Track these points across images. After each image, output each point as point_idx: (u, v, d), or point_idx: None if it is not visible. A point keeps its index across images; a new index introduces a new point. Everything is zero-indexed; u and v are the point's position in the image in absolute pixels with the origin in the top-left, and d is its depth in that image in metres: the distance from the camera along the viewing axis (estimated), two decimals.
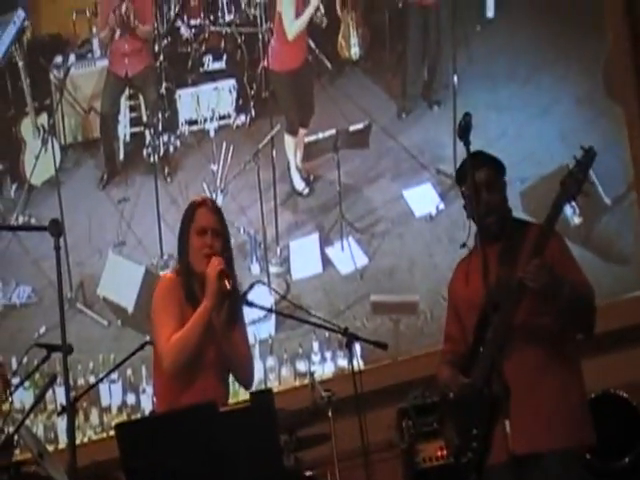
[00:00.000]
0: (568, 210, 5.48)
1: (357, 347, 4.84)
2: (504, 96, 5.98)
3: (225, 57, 6.77)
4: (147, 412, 6.30)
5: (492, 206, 3.58)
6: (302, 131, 6.43)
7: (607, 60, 5.70)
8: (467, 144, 3.47)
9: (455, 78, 6.11)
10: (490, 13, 6.09)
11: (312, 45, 6.55)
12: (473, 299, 3.52)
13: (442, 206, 6.03)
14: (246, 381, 3.84)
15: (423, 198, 6.13)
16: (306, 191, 6.38)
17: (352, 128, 6.37)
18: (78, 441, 6.43)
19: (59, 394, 6.25)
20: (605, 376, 4.95)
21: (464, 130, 3.46)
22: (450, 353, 3.69)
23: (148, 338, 6.13)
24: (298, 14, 6.45)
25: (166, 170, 6.74)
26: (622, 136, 5.59)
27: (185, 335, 3.60)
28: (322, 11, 6.46)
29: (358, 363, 4.58)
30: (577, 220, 5.64)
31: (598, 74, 5.75)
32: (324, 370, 6.09)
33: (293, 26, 6.46)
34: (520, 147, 5.82)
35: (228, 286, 3.61)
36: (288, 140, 6.45)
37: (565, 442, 3.41)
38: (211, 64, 6.78)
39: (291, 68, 6.51)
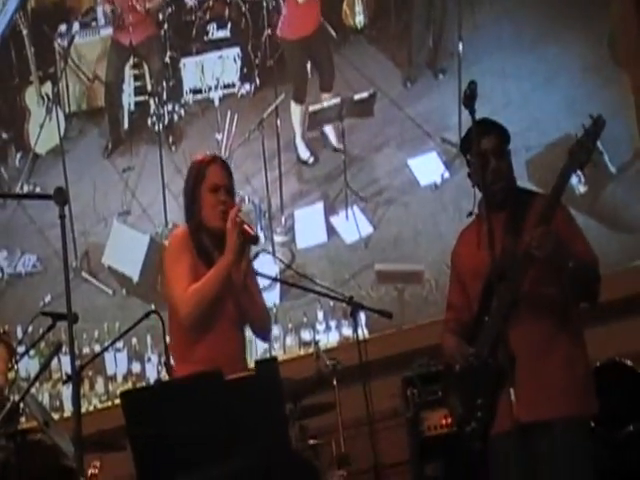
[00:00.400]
0: (574, 179, 5.44)
1: (362, 316, 4.86)
2: (510, 64, 5.95)
3: (229, 25, 6.74)
4: (152, 380, 6.34)
5: (500, 173, 3.56)
6: (325, 95, 6.36)
7: (613, 28, 5.66)
8: (472, 112, 3.44)
9: (460, 46, 6.07)
10: None
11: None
12: (478, 268, 3.52)
13: (447, 175, 6.01)
14: (264, 332, 3.83)
15: (428, 167, 6.12)
16: (311, 160, 6.36)
17: (357, 97, 6.34)
18: (83, 409, 6.46)
19: (64, 363, 6.28)
20: (611, 344, 4.95)
21: (469, 98, 3.43)
22: (453, 321, 3.69)
23: (153, 306, 6.20)
24: None
25: (170, 139, 6.72)
26: (628, 104, 5.56)
27: (204, 287, 3.57)
28: None
29: (363, 332, 4.59)
30: (582, 189, 5.62)
31: (604, 42, 5.71)
32: (329, 339, 6.10)
33: None
34: (526, 115, 5.79)
35: (252, 232, 3.59)
36: (294, 108, 6.42)
37: (570, 410, 3.42)
38: (215, 32, 6.74)
39: (304, 35, 6.43)
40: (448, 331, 3.67)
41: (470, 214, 3.69)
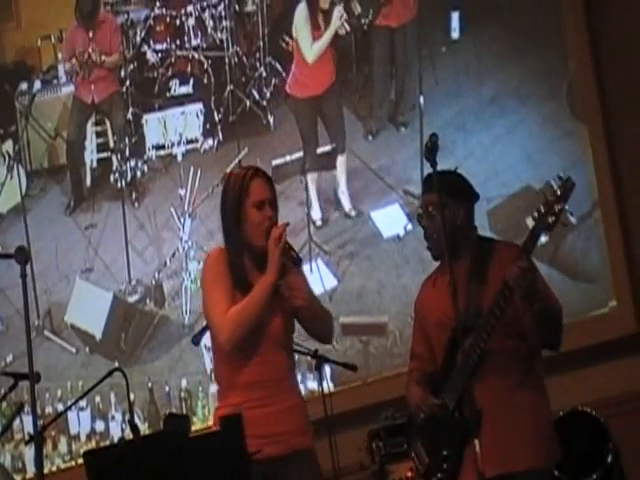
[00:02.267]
0: None
1: (327, 369, 4.83)
2: (470, 117, 6.02)
3: (192, 81, 6.77)
4: (116, 439, 6.26)
5: (428, 233, 3.66)
6: (341, 158, 6.29)
7: (571, 80, 5.76)
8: (434, 165, 3.49)
9: (422, 99, 6.15)
10: (455, 34, 6.14)
11: (279, 69, 6.57)
12: (441, 318, 3.53)
13: (410, 227, 6.04)
14: (326, 337, 3.73)
15: (391, 219, 6.15)
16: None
17: (319, 150, 6.38)
18: (46, 470, 6.36)
19: (27, 423, 6.18)
20: (572, 394, 4.98)
21: (431, 151, 3.48)
22: (418, 371, 3.70)
23: (117, 364, 6.14)
24: (317, 36, 6.39)
25: (133, 195, 6.71)
26: (587, 155, 5.65)
27: (245, 309, 3.43)
28: (347, 28, 6.35)
29: (328, 385, 4.57)
30: (544, 239, 5.66)
31: (562, 94, 5.80)
32: None
33: (312, 49, 6.40)
34: (486, 167, 5.86)
35: (295, 253, 3.48)
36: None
37: (535, 462, 3.44)
38: (178, 88, 6.77)
39: (314, 94, 6.42)
40: (412, 381, 3.68)
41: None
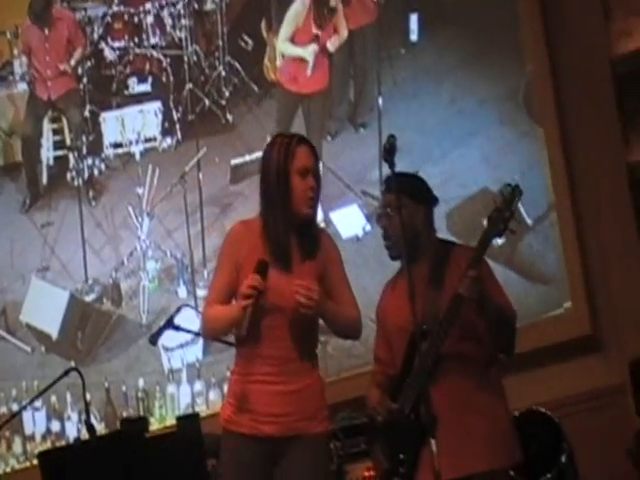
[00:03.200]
0: None
1: None
2: (429, 118, 6.05)
3: (150, 80, 6.74)
4: (72, 439, 6.21)
5: (387, 233, 3.66)
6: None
7: (528, 83, 5.81)
8: (392, 166, 3.50)
9: (380, 100, 6.17)
10: (414, 37, 6.17)
11: (239, 68, 6.56)
12: (402, 323, 3.55)
13: (369, 227, 6.06)
14: (353, 337, 3.59)
15: (350, 220, 6.16)
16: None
17: None
18: (0, 471, 6.31)
19: None
20: (528, 394, 5.02)
21: (389, 152, 3.48)
22: (381, 374, 3.71)
23: (73, 363, 6.09)
24: (300, 41, 6.32)
25: (91, 194, 6.66)
26: (543, 157, 5.69)
27: (216, 318, 3.39)
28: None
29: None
30: (500, 240, 5.69)
31: (519, 97, 5.85)
32: None
33: (284, 46, 6.38)
34: (444, 169, 5.89)
35: (260, 287, 3.28)
36: None
37: (494, 464, 3.46)
38: (136, 87, 6.74)
39: (302, 91, 6.34)
40: (373, 384, 3.70)
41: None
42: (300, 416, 3.41)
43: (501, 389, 3.60)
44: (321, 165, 5.99)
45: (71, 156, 6.73)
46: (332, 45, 6.29)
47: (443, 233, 5.54)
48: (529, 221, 5.68)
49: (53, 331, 6.49)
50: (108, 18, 6.81)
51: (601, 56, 5.63)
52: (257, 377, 3.41)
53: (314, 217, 3.51)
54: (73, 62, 6.75)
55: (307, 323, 3.44)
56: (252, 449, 3.36)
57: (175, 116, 6.62)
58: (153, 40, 6.74)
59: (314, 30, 6.31)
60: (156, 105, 6.67)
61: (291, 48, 6.38)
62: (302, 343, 3.45)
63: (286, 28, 6.38)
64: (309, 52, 6.30)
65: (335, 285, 3.50)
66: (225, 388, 6.17)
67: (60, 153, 6.78)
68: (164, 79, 6.69)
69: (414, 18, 6.15)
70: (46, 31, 6.74)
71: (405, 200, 3.59)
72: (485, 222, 3.55)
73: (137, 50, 6.76)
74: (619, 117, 5.55)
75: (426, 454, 3.34)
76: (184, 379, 6.22)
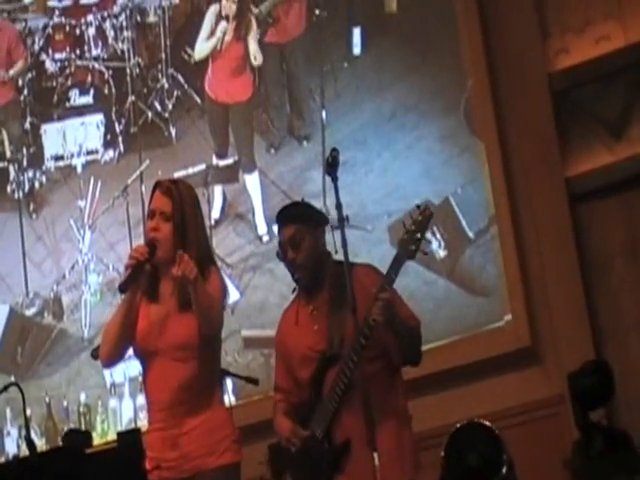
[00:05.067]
0: (434, 244, 5.61)
1: (229, 382, 4.82)
2: (370, 132, 6.09)
3: (92, 92, 6.70)
4: (11, 456, 6.13)
5: (294, 265, 3.66)
6: (251, 178, 6.26)
7: (468, 97, 5.88)
8: (335, 180, 3.53)
9: (324, 113, 6.20)
10: (357, 50, 6.21)
11: (181, 81, 6.55)
12: (304, 352, 3.57)
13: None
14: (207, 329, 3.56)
15: None
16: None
17: (222, 163, 6.38)
18: None
19: None
20: (469, 405, 5.07)
21: (331, 166, 3.51)
22: (283, 402, 3.72)
23: (13, 378, 6.00)
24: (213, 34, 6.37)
25: (31, 206, 6.59)
26: (484, 171, 5.76)
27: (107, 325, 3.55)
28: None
29: (229, 399, 4.56)
30: (442, 253, 5.77)
31: (460, 111, 5.92)
32: None
33: (202, 46, 6.39)
34: (386, 182, 5.93)
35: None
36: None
37: (405, 476, 3.49)
38: (77, 99, 6.69)
39: (227, 101, 6.37)
40: (279, 412, 3.71)
41: (294, 290, 3.73)
42: (196, 455, 3.46)
43: (406, 407, 3.63)
44: (259, 178, 6.18)
45: (11, 168, 6.65)
46: (256, 61, 6.33)
47: (386, 246, 5.63)
48: (470, 234, 5.74)
49: None
50: (49, 29, 6.76)
51: (539, 72, 5.72)
52: (154, 425, 3.50)
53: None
54: (12, 72, 6.68)
55: (189, 363, 3.49)
56: None
57: (117, 128, 6.58)
58: (95, 52, 6.71)
59: (223, 13, 6.34)
60: (98, 117, 6.63)
61: (205, 45, 6.39)
62: (186, 384, 3.48)
63: (204, 30, 6.41)
64: (219, 30, 6.32)
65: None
66: None
67: (0, 165, 6.70)
68: (106, 91, 6.65)
69: (357, 32, 6.20)
70: None
71: (304, 229, 3.62)
72: (427, 235, 3.57)
73: (79, 62, 6.72)
74: (557, 133, 5.64)
75: None
76: (126, 393, 6.17)
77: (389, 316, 3.42)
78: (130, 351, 3.61)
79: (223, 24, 6.36)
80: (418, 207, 3.53)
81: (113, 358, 3.58)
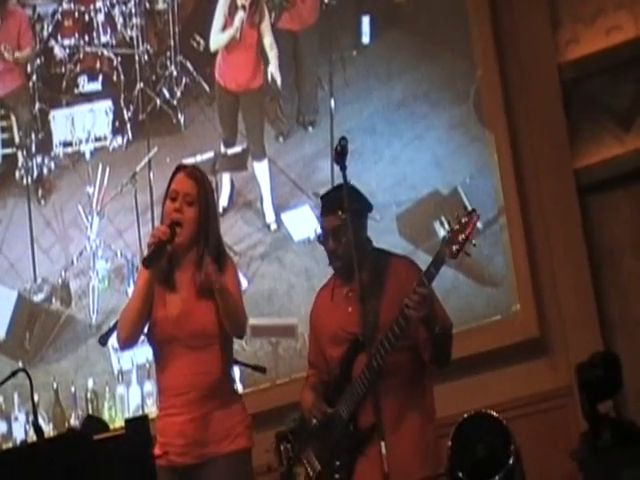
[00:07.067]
0: (442, 233, 5.60)
1: (236, 370, 4.83)
2: (380, 121, 6.08)
3: (101, 78, 6.69)
4: (19, 441, 6.15)
5: (335, 255, 3.66)
6: (260, 166, 6.25)
7: (478, 88, 5.86)
8: (343, 169, 3.52)
9: (332, 102, 6.18)
10: (366, 39, 6.19)
11: (190, 68, 6.54)
12: (337, 332, 3.57)
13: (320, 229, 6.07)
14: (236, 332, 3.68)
15: (301, 221, 6.17)
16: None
17: (230, 151, 6.37)
18: None
19: None
20: (477, 396, 5.07)
21: (340, 155, 3.51)
22: (314, 377, 3.73)
23: (21, 364, 6.02)
24: (229, 25, 6.36)
25: (40, 192, 6.60)
26: (493, 161, 5.75)
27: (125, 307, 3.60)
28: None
29: (237, 387, 4.56)
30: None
31: (470, 101, 5.90)
32: None
33: (217, 37, 6.37)
34: (395, 171, 5.91)
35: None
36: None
37: (425, 471, 3.50)
38: (86, 85, 6.69)
39: (237, 89, 6.36)
40: (308, 386, 3.73)
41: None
42: (209, 440, 3.49)
43: (432, 400, 3.63)
44: (268, 166, 6.18)
45: (20, 154, 6.66)
46: (272, 50, 6.30)
47: (394, 235, 5.63)
48: (479, 224, 5.72)
49: (1, 331, 6.42)
50: (58, 16, 6.76)
51: (549, 63, 5.70)
52: (166, 411, 3.54)
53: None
54: (18, 54, 6.67)
55: (206, 350, 3.54)
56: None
57: (126, 115, 6.58)
58: (104, 38, 6.70)
59: (239, 3, 6.32)
60: (107, 104, 6.63)
61: (221, 36, 6.38)
62: (202, 370, 3.53)
63: (217, 21, 6.38)
64: (237, 20, 6.30)
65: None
66: None
67: (9, 151, 6.71)
68: (115, 78, 6.64)
69: (366, 20, 6.18)
70: None
71: (348, 219, 3.57)
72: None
73: (87, 48, 6.71)
74: (566, 123, 5.62)
75: (363, 463, 3.37)
76: (134, 380, 6.18)
77: (425, 311, 3.41)
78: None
79: (240, 14, 6.33)
80: (465, 209, 3.52)
81: (132, 339, 3.62)
